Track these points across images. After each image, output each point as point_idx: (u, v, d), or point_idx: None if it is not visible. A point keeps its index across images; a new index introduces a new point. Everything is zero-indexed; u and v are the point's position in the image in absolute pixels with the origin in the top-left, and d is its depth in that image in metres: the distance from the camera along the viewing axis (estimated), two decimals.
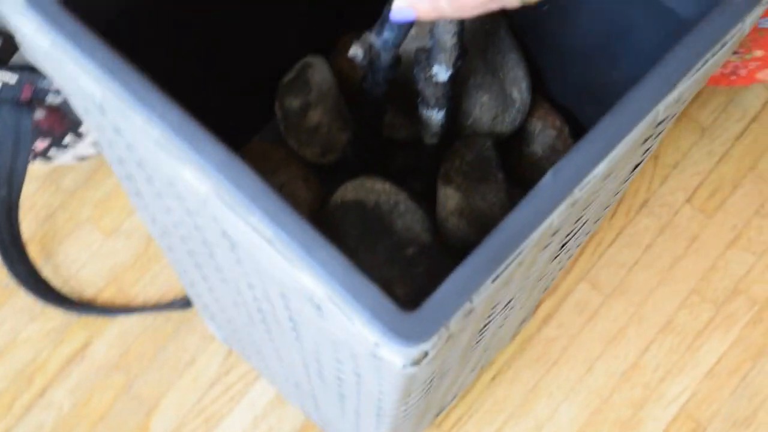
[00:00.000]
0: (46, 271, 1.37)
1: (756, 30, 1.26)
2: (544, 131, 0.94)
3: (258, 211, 0.66)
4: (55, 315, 1.36)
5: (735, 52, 1.30)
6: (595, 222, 0.93)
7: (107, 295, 1.38)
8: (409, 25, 0.76)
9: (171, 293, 1.38)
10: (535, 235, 0.65)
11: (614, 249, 1.43)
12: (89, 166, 1.41)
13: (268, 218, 0.65)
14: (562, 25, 0.89)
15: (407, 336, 0.63)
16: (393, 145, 0.98)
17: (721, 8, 0.69)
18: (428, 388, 0.84)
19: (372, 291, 0.64)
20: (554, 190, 0.66)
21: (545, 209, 0.65)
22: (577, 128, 0.97)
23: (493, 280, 0.65)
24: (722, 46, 0.69)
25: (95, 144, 1.31)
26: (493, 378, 1.34)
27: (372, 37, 0.78)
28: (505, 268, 0.65)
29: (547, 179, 0.66)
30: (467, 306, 0.64)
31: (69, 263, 1.39)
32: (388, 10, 0.74)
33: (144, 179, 0.81)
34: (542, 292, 1.13)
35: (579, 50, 0.90)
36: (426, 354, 0.64)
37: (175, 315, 1.36)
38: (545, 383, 1.35)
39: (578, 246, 0.99)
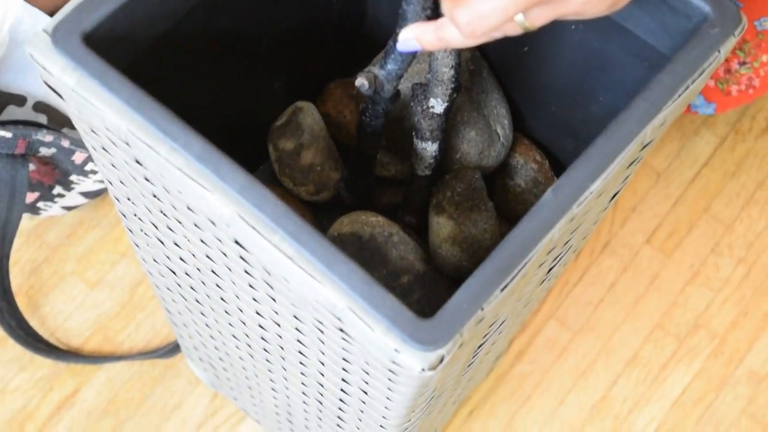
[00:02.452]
0: (33, 323, 1.39)
1: (756, 34, 1.30)
2: (525, 165, 0.99)
3: (280, 231, 0.70)
4: (44, 364, 1.38)
5: (743, 63, 1.32)
6: (574, 252, 0.98)
7: (93, 344, 1.40)
8: (412, 57, 0.81)
9: (156, 340, 1.41)
10: (539, 247, 0.70)
11: (580, 288, 1.48)
12: (72, 221, 1.45)
13: (290, 237, 0.70)
14: (541, 64, 0.94)
15: (425, 341, 0.67)
16: (382, 182, 1.03)
17: (698, 40, 0.75)
18: (427, 407, 0.88)
19: (391, 301, 0.68)
20: (555, 205, 0.70)
21: (548, 223, 0.70)
22: (554, 162, 1.02)
23: (502, 290, 0.69)
24: (701, 74, 0.75)
25: (84, 193, 1.34)
26: (470, 413, 1.38)
27: (376, 69, 0.83)
28: (512, 278, 0.69)
29: (548, 196, 0.71)
30: (479, 314, 0.69)
31: (55, 314, 1.41)
32: (394, 42, 0.79)
33: (157, 212, 0.85)
34: (518, 325, 1.18)
35: (557, 87, 0.95)
36: (442, 358, 0.68)
37: (161, 361, 1.39)
38: (520, 417, 1.40)
39: (556, 277, 1.05)
